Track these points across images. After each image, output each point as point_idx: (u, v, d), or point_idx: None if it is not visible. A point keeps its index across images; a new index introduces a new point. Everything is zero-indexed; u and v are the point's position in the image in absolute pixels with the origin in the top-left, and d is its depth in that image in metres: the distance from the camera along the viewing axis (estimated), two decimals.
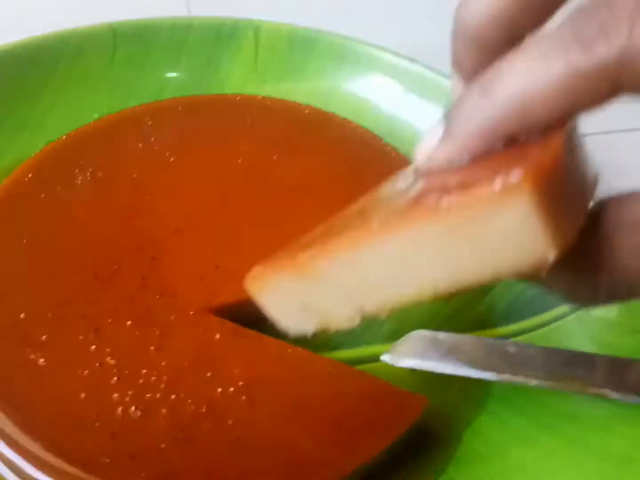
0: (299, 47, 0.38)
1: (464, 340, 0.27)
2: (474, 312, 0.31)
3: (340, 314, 0.19)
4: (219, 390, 0.25)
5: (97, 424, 0.24)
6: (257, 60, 0.38)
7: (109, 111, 0.35)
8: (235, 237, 0.30)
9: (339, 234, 0.18)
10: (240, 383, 0.25)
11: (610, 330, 0.28)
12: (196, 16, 0.39)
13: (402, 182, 0.20)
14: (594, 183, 0.17)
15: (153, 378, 0.25)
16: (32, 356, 0.25)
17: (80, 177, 0.31)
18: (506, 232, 0.15)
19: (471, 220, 0.15)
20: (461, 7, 0.18)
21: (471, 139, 0.17)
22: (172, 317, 0.27)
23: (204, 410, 0.24)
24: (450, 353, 0.26)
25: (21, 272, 0.28)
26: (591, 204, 0.17)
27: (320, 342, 0.29)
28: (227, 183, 0.32)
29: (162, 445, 0.24)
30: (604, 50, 0.14)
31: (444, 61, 0.35)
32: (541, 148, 0.16)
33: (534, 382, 0.25)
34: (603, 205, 0.17)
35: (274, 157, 0.33)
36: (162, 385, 0.25)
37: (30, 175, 0.31)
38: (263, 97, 0.36)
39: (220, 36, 0.38)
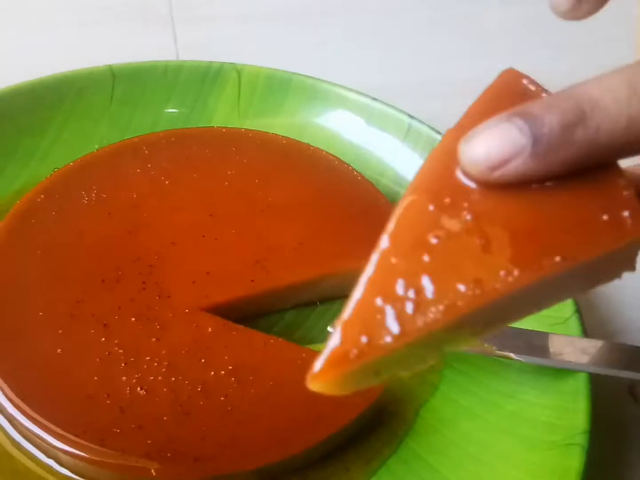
0: (276, 87, 0.43)
1: None
2: None
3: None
4: (212, 373, 0.29)
5: (108, 401, 0.28)
6: (239, 98, 0.43)
7: (108, 142, 0.40)
8: (222, 247, 0.34)
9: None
10: (230, 367, 0.30)
11: (541, 322, 0.33)
12: (186, 60, 0.44)
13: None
14: None
15: (155, 364, 0.29)
16: (51, 347, 0.29)
17: (87, 198, 0.36)
18: (617, 262, 0.19)
19: (592, 264, 0.19)
20: None
21: (562, 165, 0.18)
22: (170, 315, 0.31)
23: (199, 389, 0.29)
24: None
25: (37, 278, 0.32)
26: None
27: (297, 337, 0.34)
28: (215, 202, 0.36)
29: (165, 418, 0.28)
30: None
31: (402, 99, 0.41)
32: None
33: None
34: None
35: (256, 181, 0.37)
36: (163, 370, 0.29)
37: (42, 196, 0.35)
38: (246, 130, 0.41)
39: (207, 77, 0.43)
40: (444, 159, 0.20)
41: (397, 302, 0.18)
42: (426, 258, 0.19)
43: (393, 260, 0.19)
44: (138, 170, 0.37)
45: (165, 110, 0.43)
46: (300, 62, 0.45)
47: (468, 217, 0.19)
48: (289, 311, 0.35)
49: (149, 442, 0.27)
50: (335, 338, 0.18)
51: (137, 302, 0.31)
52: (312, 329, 0.34)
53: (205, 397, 0.29)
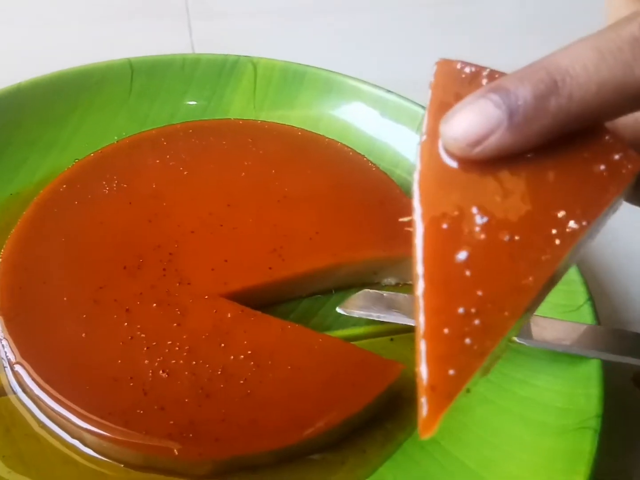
0: (291, 79, 0.44)
1: (401, 297, 0.34)
2: None
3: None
4: (231, 357, 0.30)
5: (131, 384, 0.29)
6: (255, 90, 0.44)
7: (127, 134, 0.41)
8: (240, 236, 0.35)
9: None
10: (249, 352, 0.30)
11: (554, 310, 0.33)
12: (203, 53, 0.45)
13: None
14: None
15: (176, 348, 0.30)
16: (75, 331, 0.30)
17: (107, 188, 0.36)
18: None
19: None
20: None
21: (539, 135, 0.19)
22: (190, 301, 0.32)
23: (219, 372, 0.30)
24: (391, 307, 0.33)
25: (61, 265, 0.33)
26: None
27: (312, 324, 0.34)
28: (233, 192, 0.37)
29: (186, 400, 0.29)
30: None
31: (416, 94, 0.42)
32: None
33: None
34: None
35: (272, 171, 0.38)
36: (184, 354, 0.30)
37: (64, 186, 0.36)
38: (262, 121, 0.41)
39: (224, 70, 0.44)
40: (433, 170, 0.20)
41: (464, 324, 0.19)
42: (468, 273, 0.19)
43: (437, 298, 0.19)
44: (157, 161, 0.38)
45: (183, 102, 0.43)
46: (315, 56, 0.45)
47: (483, 219, 0.20)
48: (305, 299, 0.36)
49: (171, 423, 0.28)
50: (424, 379, 0.18)
51: (158, 289, 0.32)
52: (328, 316, 0.35)
53: (225, 381, 0.29)
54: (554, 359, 0.32)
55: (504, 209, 0.20)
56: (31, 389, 0.29)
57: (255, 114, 0.43)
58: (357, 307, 0.34)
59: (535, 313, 0.30)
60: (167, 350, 0.30)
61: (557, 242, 0.19)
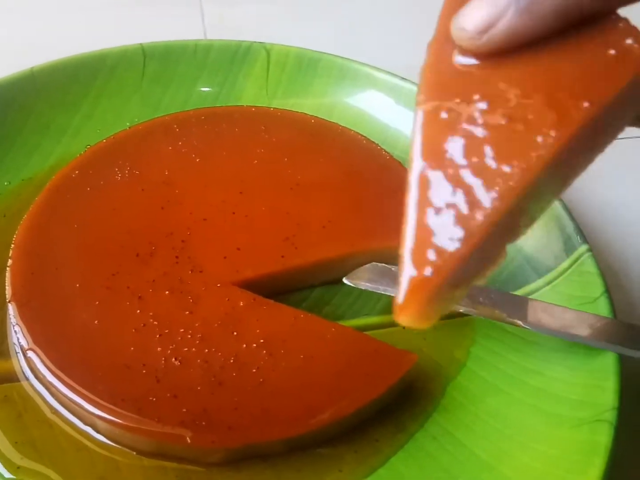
0: (305, 66, 0.43)
1: None
2: None
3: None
4: (244, 345, 0.30)
5: (144, 371, 0.29)
6: (268, 77, 0.44)
7: (139, 120, 0.41)
8: (252, 224, 0.35)
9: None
10: (261, 340, 0.30)
11: (569, 302, 0.33)
12: (216, 39, 0.45)
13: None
14: None
15: (189, 336, 0.30)
16: (88, 318, 0.30)
17: (120, 174, 0.36)
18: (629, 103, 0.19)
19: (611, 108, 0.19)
20: None
21: (547, 17, 0.18)
22: (202, 288, 0.32)
23: (231, 361, 0.29)
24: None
25: (73, 251, 0.33)
26: None
27: (325, 313, 0.34)
28: (245, 180, 0.37)
29: (198, 388, 0.28)
30: None
31: None
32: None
33: (461, 309, 0.31)
34: None
35: (285, 159, 0.38)
36: (197, 341, 0.30)
37: (77, 172, 0.36)
38: (275, 108, 0.41)
39: (237, 56, 0.44)
40: (440, 67, 0.20)
41: (450, 208, 0.18)
42: (461, 160, 0.18)
43: (429, 175, 0.19)
44: (169, 148, 0.38)
45: (196, 88, 0.43)
46: (329, 42, 0.45)
47: (484, 105, 0.19)
48: (317, 288, 0.35)
49: (184, 410, 0.28)
50: (406, 268, 0.18)
51: (170, 276, 0.32)
52: (340, 305, 0.35)
53: (238, 369, 0.29)
54: (569, 350, 0.32)
55: (506, 96, 0.19)
56: (44, 375, 0.29)
57: (267, 102, 0.43)
58: (363, 279, 0.33)
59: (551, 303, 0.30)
60: (179, 338, 0.30)
61: (553, 133, 0.18)
